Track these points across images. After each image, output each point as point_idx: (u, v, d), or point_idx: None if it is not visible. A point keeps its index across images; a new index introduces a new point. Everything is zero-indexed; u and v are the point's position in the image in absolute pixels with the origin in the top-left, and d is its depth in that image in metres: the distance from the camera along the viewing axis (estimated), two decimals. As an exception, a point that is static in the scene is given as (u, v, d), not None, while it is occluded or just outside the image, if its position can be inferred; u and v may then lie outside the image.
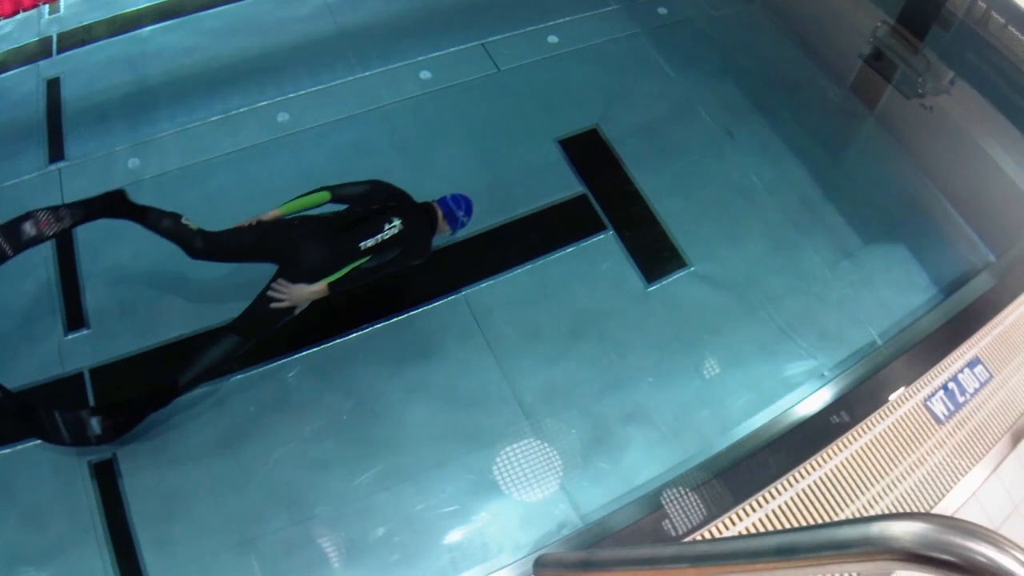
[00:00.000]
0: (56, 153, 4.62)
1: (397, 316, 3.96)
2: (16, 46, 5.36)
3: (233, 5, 5.61)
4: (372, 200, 3.66)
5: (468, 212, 3.89)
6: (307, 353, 3.80)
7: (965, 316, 3.79)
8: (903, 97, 5.38)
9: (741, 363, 3.88)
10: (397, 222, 3.62)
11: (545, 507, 3.38)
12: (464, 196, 3.91)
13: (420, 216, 3.72)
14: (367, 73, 5.09)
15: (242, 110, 4.85)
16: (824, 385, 3.60)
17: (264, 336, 3.47)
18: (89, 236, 4.08)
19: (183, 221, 3.47)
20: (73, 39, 5.39)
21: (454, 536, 3.29)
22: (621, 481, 3.45)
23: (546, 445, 3.56)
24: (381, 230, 3.57)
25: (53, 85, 5.06)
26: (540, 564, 2.78)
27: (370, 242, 3.54)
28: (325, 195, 3.62)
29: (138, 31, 5.43)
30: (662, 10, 5.72)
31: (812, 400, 3.49)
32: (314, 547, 3.24)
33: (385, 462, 3.48)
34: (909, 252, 4.44)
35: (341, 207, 3.67)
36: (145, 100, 4.94)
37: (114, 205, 3.54)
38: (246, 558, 3.20)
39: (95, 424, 3.29)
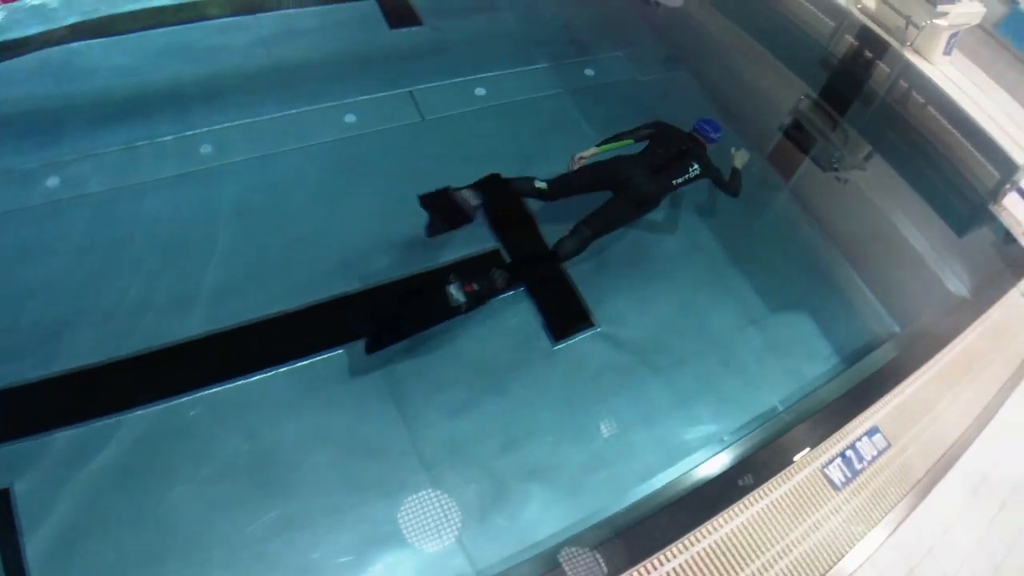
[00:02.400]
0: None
1: (300, 361, 3.86)
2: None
3: (170, 28, 5.58)
4: (669, 141, 4.71)
5: (717, 130, 4.87)
6: (210, 392, 3.69)
7: (866, 385, 3.83)
8: (819, 169, 5.52)
9: (642, 425, 3.88)
10: (696, 166, 4.64)
11: (441, 561, 3.31)
12: (710, 120, 4.89)
13: (703, 151, 4.79)
14: (294, 111, 5.08)
15: (167, 138, 4.78)
16: (723, 449, 3.58)
17: (600, 235, 4.42)
18: None
19: (536, 184, 4.47)
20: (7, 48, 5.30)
21: (348, 587, 3.21)
22: (518, 538, 3.38)
23: (444, 499, 3.48)
24: (686, 172, 4.61)
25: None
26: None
27: (680, 179, 4.59)
28: (629, 140, 4.75)
29: (71, 45, 5.35)
30: (589, 71, 5.82)
31: (710, 464, 3.46)
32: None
33: (281, 508, 3.36)
34: (814, 321, 4.52)
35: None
36: (67, 116, 4.83)
37: (495, 182, 4.47)
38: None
39: (498, 276, 4.13)
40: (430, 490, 3.51)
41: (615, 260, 4.61)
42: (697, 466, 3.48)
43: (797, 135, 5.75)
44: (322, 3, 6.08)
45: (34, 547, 3.13)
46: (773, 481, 3.27)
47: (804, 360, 4.30)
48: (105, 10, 5.60)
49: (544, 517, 3.47)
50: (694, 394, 4.03)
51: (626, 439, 3.80)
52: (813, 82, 6.16)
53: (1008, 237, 4.86)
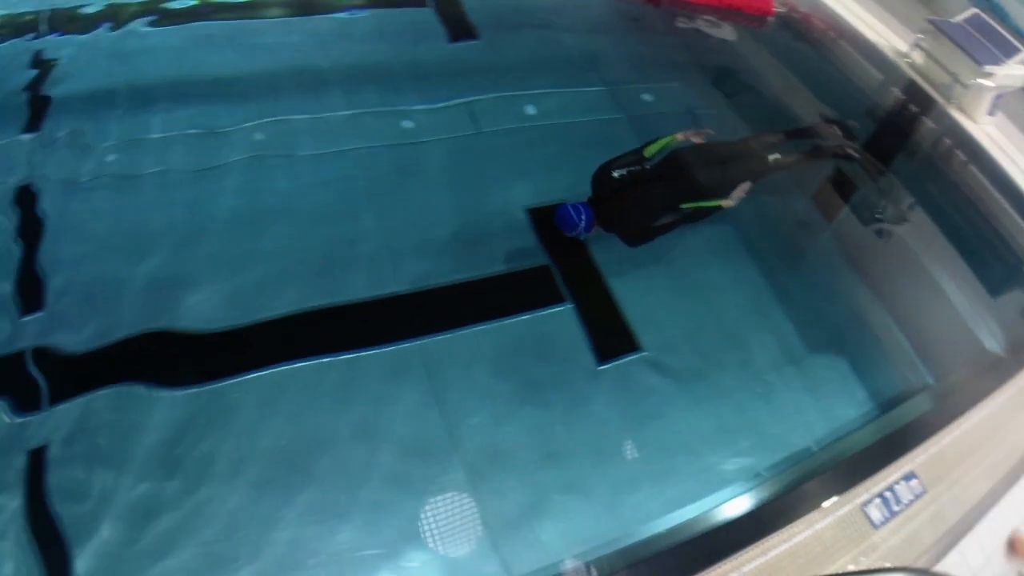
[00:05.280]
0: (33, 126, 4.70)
1: (349, 353, 3.93)
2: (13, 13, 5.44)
3: (235, 22, 5.75)
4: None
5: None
6: (257, 375, 3.76)
7: (903, 433, 3.88)
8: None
9: (681, 452, 3.89)
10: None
11: (474, 564, 3.34)
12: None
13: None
14: (349, 112, 5.16)
15: (227, 128, 4.89)
16: (761, 484, 3.62)
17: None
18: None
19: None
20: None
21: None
22: (553, 550, 3.38)
23: (482, 504, 3.52)
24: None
25: (44, 63, 5.15)
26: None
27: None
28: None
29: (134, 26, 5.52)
30: (647, 97, 5.90)
31: (748, 497, 3.50)
32: (238, 567, 3.16)
33: (320, 495, 3.41)
34: (851, 365, 4.54)
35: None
36: (134, 97, 4.98)
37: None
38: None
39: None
40: (468, 494, 3.54)
41: (662, 286, 4.66)
42: (734, 497, 3.51)
43: (841, 182, 5.82)
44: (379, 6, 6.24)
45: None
46: (815, 514, 3.33)
47: (840, 403, 4.31)
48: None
49: (578, 532, 3.46)
50: (734, 427, 4.05)
51: (665, 464, 3.82)
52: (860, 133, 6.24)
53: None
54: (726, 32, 7.13)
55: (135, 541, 3.16)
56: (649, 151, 4.67)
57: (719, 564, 3.06)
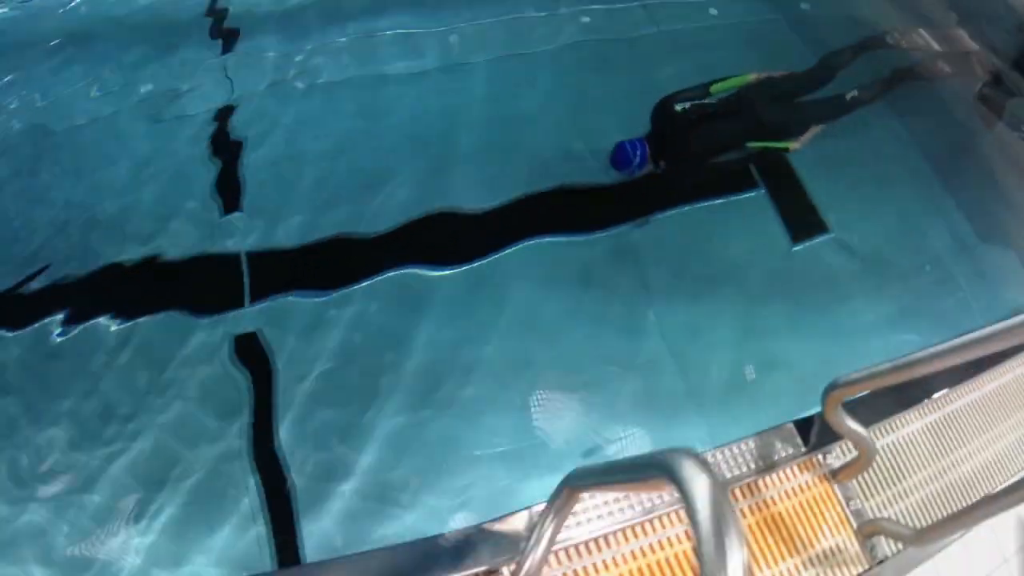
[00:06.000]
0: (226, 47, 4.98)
1: (556, 237, 4.22)
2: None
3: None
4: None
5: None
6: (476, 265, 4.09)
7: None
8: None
9: (874, 334, 4.08)
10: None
11: (681, 431, 3.60)
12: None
13: None
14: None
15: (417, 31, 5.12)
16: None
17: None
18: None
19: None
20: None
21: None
22: (756, 421, 3.38)
23: (686, 376, 3.78)
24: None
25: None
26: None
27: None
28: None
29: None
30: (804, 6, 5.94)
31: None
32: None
33: (542, 376, 3.73)
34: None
35: None
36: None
37: None
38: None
39: None
40: (673, 367, 3.79)
41: (842, 172, 4.77)
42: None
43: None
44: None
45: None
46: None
47: (1018, 291, 4.46)
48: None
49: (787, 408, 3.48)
50: (915, 311, 4.22)
51: (859, 346, 3.96)
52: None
53: None
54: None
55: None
56: (716, 88, 4.50)
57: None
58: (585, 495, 2.36)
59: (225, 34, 5.11)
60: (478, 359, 3.72)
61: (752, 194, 4.55)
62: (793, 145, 4.40)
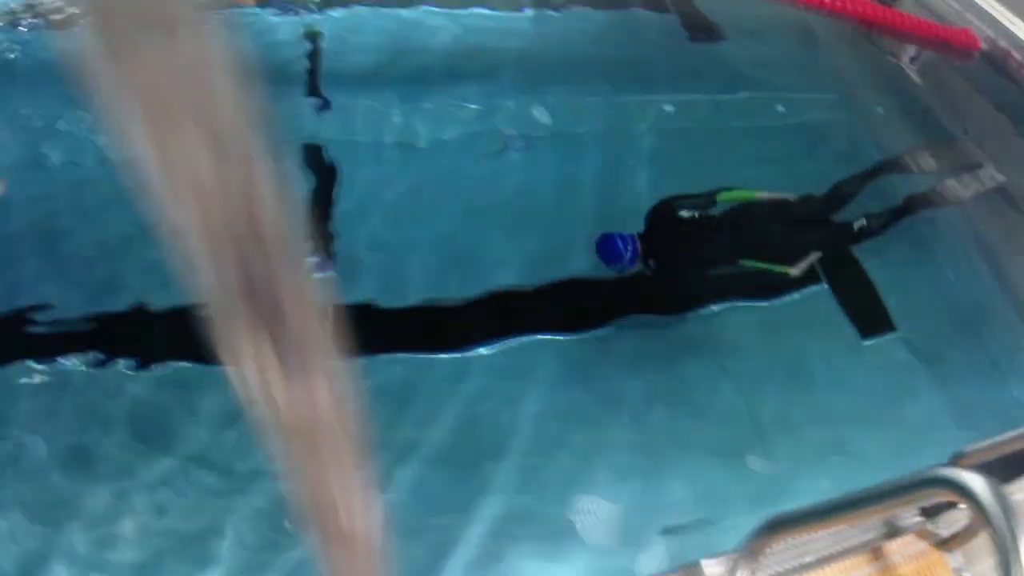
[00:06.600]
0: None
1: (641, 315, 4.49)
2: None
3: (497, 12, 6.38)
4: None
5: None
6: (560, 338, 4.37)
7: None
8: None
9: (937, 428, 4.22)
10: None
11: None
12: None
13: None
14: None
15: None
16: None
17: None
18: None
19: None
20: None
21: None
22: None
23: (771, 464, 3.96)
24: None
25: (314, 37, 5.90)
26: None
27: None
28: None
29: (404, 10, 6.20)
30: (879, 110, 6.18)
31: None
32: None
33: (624, 453, 3.94)
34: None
35: None
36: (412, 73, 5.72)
37: None
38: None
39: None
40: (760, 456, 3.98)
41: (904, 270, 4.97)
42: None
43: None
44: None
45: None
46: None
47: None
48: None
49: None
50: (975, 404, 4.33)
51: (923, 437, 4.09)
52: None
53: None
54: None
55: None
56: (722, 197, 4.51)
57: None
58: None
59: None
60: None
61: (815, 289, 4.78)
62: (792, 271, 4.40)
